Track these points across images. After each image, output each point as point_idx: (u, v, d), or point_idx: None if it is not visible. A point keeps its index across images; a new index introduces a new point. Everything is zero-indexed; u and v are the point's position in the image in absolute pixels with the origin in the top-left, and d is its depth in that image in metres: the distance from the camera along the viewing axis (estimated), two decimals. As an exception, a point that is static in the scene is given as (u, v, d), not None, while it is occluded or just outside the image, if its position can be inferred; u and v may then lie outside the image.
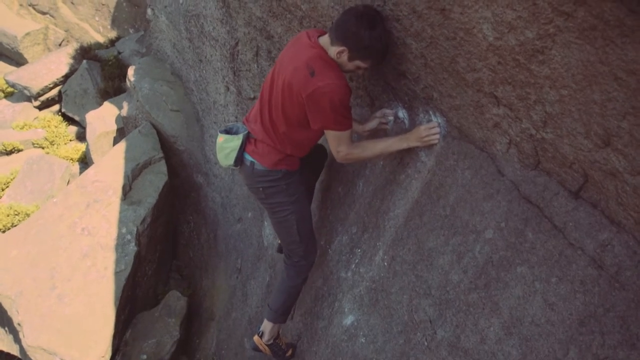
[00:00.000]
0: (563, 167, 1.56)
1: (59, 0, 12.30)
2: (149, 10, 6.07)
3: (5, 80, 10.05)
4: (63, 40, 12.35)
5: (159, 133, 5.27)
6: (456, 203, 1.97)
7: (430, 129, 2.09)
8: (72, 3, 12.11)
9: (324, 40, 2.08)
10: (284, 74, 2.13)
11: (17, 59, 12.39)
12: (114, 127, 6.51)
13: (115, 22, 11.24)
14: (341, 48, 2.00)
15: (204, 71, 4.66)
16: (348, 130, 2.14)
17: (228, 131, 2.45)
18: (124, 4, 10.85)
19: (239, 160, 2.40)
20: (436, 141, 2.09)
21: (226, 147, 2.40)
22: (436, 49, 1.85)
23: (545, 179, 1.67)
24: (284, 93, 2.14)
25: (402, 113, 2.33)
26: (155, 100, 5.35)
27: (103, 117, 6.65)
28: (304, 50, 2.07)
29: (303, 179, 2.55)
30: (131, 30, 10.70)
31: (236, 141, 2.37)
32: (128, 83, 6.08)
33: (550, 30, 1.34)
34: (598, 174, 1.44)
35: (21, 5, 12.85)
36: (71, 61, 9.86)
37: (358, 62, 2.05)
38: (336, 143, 2.17)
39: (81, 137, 8.66)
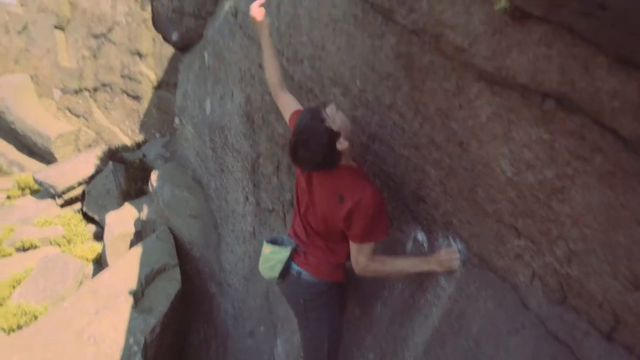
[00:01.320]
0: (592, 305, 1.51)
1: (94, 105, 13.20)
2: (176, 120, 6.45)
3: (34, 178, 10.48)
4: (93, 141, 13.05)
5: (175, 238, 5.32)
6: (479, 335, 1.89)
7: (451, 254, 2.07)
8: (105, 108, 12.97)
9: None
10: (319, 206, 2.18)
11: (48, 158, 13.03)
12: (132, 229, 6.61)
13: (143, 126, 11.92)
14: (343, 143, 1.98)
15: (224, 180, 4.82)
16: (372, 242, 2.11)
17: (274, 242, 2.45)
18: (154, 110, 11.57)
19: (285, 272, 2.37)
20: (456, 267, 2.06)
21: (272, 258, 2.38)
22: (455, 178, 1.90)
23: (573, 316, 1.60)
24: (323, 223, 2.20)
25: (420, 236, 2.33)
26: (175, 205, 5.48)
27: (122, 219, 6.78)
28: (328, 173, 2.12)
29: (341, 297, 2.51)
30: (157, 135, 11.29)
31: (284, 253, 2.35)
32: (150, 187, 6.29)
33: (568, 172, 1.37)
34: (630, 317, 1.38)
35: (59, 108, 13.81)
36: (98, 162, 10.32)
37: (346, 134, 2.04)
38: (356, 252, 2.14)
39: (99, 236, 8.77)
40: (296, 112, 2.29)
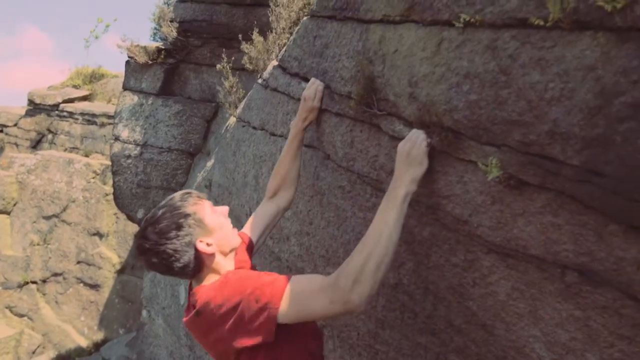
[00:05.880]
0: None
1: (41, 300, 13.24)
2: (144, 312, 6.46)
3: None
4: (38, 347, 12.79)
5: None
6: None
7: None
8: (56, 302, 12.98)
9: (202, 279, 1.88)
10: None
11: (-22, 375, 12.62)
12: None
13: (103, 321, 11.82)
14: (194, 248, 1.80)
15: (205, 387, 4.67)
16: (286, 286, 1.67)
17: None
18: (116, 300, 11.60)
19: None
20: None
21: None
22: (486, 368, 1.91)
23: None
24: None
25: None
26: None
27: None
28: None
29: None
30: (121, 331, 11.15)
31: None
32: (111, 404, 6.04)
33: (615, 355, 1.40)
34: None
35: (-3, 309, 13.81)
36: (44, 375, 10.03)
37: (211, 225, 1.85)
38: (315, 303, 1.65)
39: None
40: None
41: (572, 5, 1.19)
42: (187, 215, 1.80)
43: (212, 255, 1.83)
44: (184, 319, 1.86)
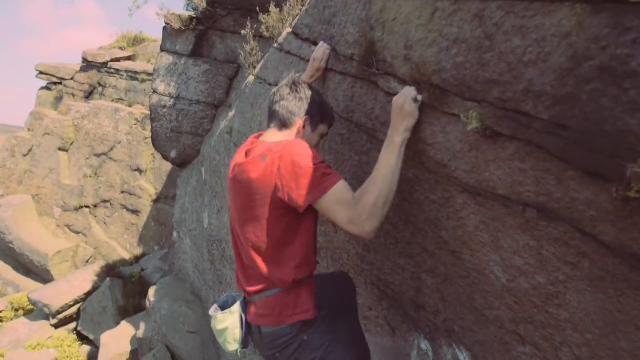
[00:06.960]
0: (608, 416, 1.44)
1: (93, 220, 13.31)
2: (174, 233, 6.48)
3: (29, 298, 10.24)
4: (91, 257, 12.95)
5: (173, 356, 5.09)
6: None
7: None
8: (104, 223, 13.06)
9: (270, 136, 1.91)
10: (235, 200, 1.89)
11: (43, 276, 12.83)
12: (128, 348, 6.34)
13: (142, 239, 11.93)
14: (303, 118, 1.90)
15: (223, 293, 4.74)
16: (337, 183, 1.65)
17: (223, 306, 1.98)
18: (152, 223, 11.66)
19: (246, 337, 1.94)
20: None
21: (222, 329, 1.92)
22: (452, 286, 1.90)
23: None
24: (246, 213, 1.82)
25: (424, 344, 2.26)
26: (172, 321, 5.32)
27: (118, 338, 6.53)
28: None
29: (330, 324, 1.94)
30: (156, 248, 11.26)
31: (233, 316, 1.90)
32: (148, 303, 6.14)
33: (560, 277, 1.38)
34: None
35: (58, 225, 13.89)
36: (95, 278, 10.18)
37: (321, 128, 1.99)
38: (341, 212, 1.62)
39: (93, 357, 8.37)
40: None
41: (556, -23, 1.10)
42: (325, 108, 2.01)
43: (299, 133, 1.91)
44: (240, 162, 1.83)
